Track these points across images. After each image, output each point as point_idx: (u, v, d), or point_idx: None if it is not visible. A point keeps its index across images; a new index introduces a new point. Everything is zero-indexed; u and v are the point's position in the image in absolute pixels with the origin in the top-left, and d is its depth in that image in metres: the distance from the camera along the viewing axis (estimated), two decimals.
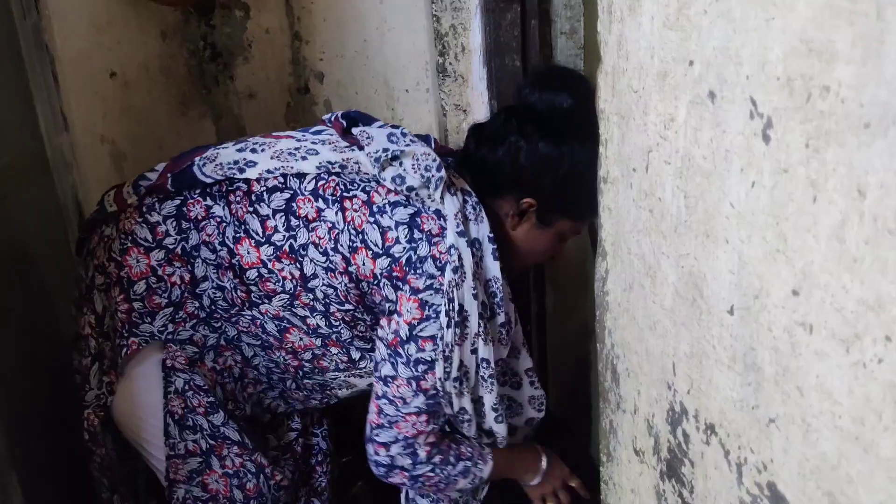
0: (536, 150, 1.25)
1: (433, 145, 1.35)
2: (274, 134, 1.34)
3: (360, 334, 1.31)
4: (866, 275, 0.44)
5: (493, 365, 1.27)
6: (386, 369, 1.27)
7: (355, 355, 1.34)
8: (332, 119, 1.35)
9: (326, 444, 1.57)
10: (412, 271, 1.21)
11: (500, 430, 1.35)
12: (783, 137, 0.50)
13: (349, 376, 1.38)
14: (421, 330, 1.22)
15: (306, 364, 1.34)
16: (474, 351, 1.26)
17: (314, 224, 1.23)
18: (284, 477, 1.38)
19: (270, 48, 1.88)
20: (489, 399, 1.31)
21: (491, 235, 1.24)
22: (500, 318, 1.27)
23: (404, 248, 1.21)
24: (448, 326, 1.21)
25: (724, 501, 0.63)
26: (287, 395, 1.41)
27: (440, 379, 1.25)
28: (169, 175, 1.28)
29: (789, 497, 0.54)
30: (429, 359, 1.24)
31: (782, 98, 0.50)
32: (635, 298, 0.76)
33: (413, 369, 1.25)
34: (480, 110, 1.64)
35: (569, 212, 1.31)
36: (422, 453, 1.32)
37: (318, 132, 1.34)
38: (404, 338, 1.23)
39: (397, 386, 1.27)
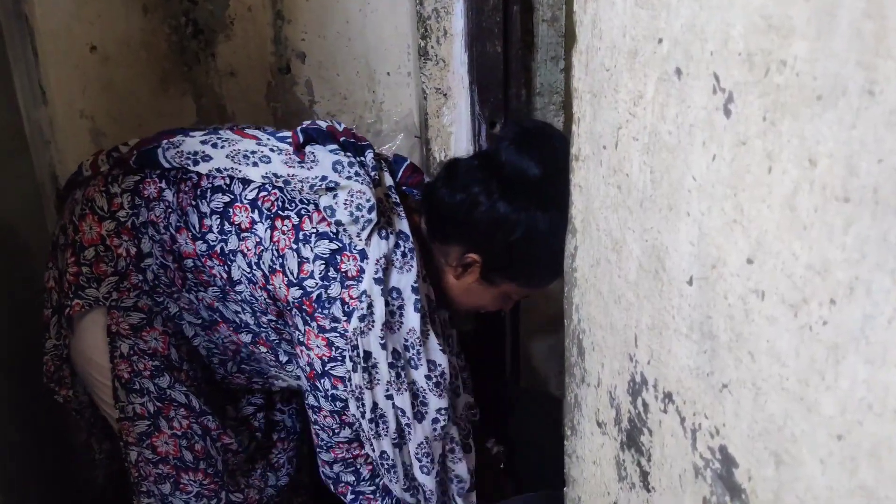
0: (494, 210, 1.23)
1: (403, 168, 1.33)
2: (244, 131, 1.34)
3: (287, 340, 1.32)
4: (815, 241, 0.46)
5: (409, 414, 1.26)
6: (311, 399, 1.30)
7: (283, 358, 1.35)
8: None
9: (293, 421, 1.59)
10: (320, 309, 1.20)
11: (427, 482, 1.33)
12: (742, 111, 0.52)
13: (279, 373, 1.40)
14: (332, 368, 1.24)
15: (243, 350, 1.37)
16: (389, 397, 1.25)
17: (245, 234, 1.24)
18: (234, 442, 1.40)
19: (252, 26, 1.88)
20: (411, 447, 1.30)
21: (415, 286, 1.21)
22: (423, 370, 1.25)
23: (317, 283, 1.20)
24: (355, 371, 1.21)
25: (679, 467, 0.65)
26: (229, 380, 1.44)
27: (356, 417, 1.26)
28: (135, 151, 1.30)
29: (738, 459, 0.56)
30: (344, 397, 1.25)
31: (743, 73, 0.51)
32: (602, 273, 0.78)
33: (332, 404, 1.27)
34: (461, 94, 1.66)
35: (514, 277, 1.30)
36: (364, 472, 1.36)
37: (283, 138, 1.33)
38: (319, 372, 1.25)
39: (323, 416, 1.29)
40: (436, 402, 1.28)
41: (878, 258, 0.41)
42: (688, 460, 0.63)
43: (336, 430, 1.30)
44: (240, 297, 1.28)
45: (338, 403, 1.27)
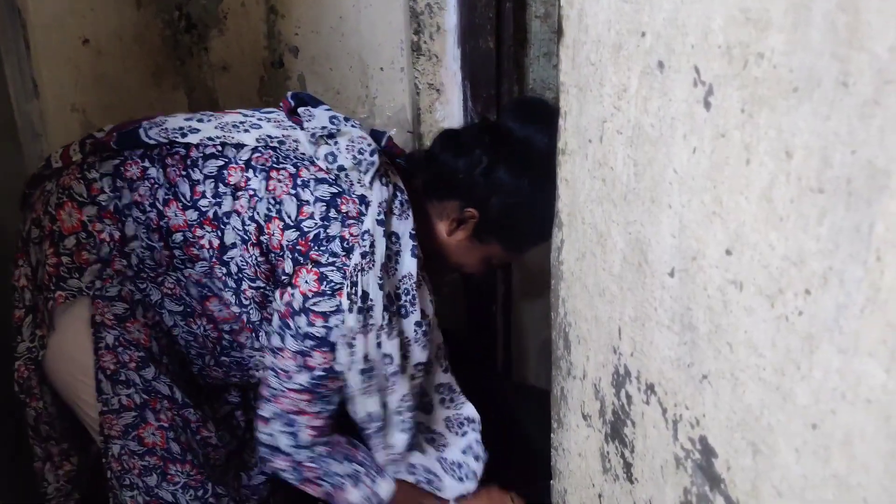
0: (496, 171, 1.28)
1: (386, 135, 1.37)
2: (226, 111, 1.36)
3: (269, 317, 1.30)
4: (790, 232, 0.46)
5: (396, 361, 1.25)
6: (275, 340, 1.25)
7: (263, 340, 1.32)
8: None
9: None
10: (316, 247, 1.20)
11: (400, 441, 1.32)
12: (722, 104, 0.52)
13: (261, 360, 1.37)
14: (315, 304, 1.20)
15: (226, 336, 1.34)
16: (379, 345, 1.23)
17: (240, 193, 1.24)
18: (213, 435, 1.37)
19: (245, 21, 1.88)
20: (394, 399, 1.29)
21: (413, 233, 1.23)
22: (415, 317, 1.25)
23: (316, 223, 1.20)
24: (350, 311, 1.18)
25: (661, 458, 0.65)
26: (206, 373, 1.42)
27: (345, 366, 1.23)
28: (115, 133, 1.29)
29: (718, 449, 0.56)
30: (318, 335, 1.21)
31: (722, 65, 0.52)
32: (587, 267, 0.78)
33: (300, 343, 1.22)
34: (453, 90, 1.66)
35: (504, 239, 1.35)
36: (303, 435, 1.29)
37: (268, 112, 1.35)
38: (296, 308, 1.21)
39: (283, 357, 1.24)
40: (418, 355, 1.27)
41: (850, 248, 0.42)
42: (669, 451, 0.64)
43: (291, 375, 1.24)
44: (225, 271, 1.26)
45: (307, 342, 1.21)
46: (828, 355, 0.44)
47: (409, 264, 1.24)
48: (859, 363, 0.42)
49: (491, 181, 1.29)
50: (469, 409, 1.42)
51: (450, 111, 1.68)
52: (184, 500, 1.35)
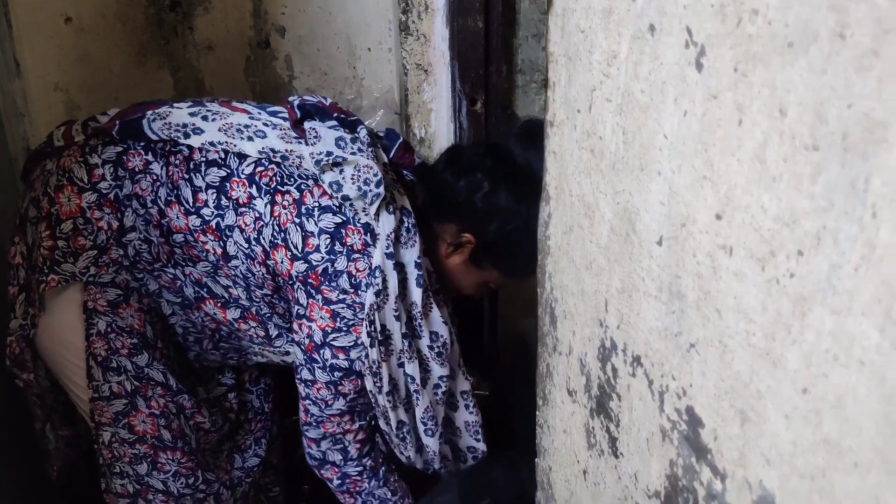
0: (495, 196, 1.27)
1: (398, 142, 1.35)
2: (232, 104, 1.33)
3: (280, 314, 1.32)
4: (783, 192, 0.45)
5: (418, 381, 1.30)
6: (305, 373, 1.30)
7: (273, 332, 1.35)
8: (290, 105, 1.33)
9: (260, 402, 1.57)
10: (327, 282, 1.21)
11: (431, 443, 1.38)
12: (714, 64, 0.51)
13: (263, 349, 1.39)
14: (334, 339, 1.24)
15: (224, 328, 1.35)
16: (401, 365, 1.29)
17: (243, 209, 1.23)
18: (207, 420, 1.38)
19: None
20: (418, 412, 1.35)
21: (418, 261, 1.24)
22: (425, 340, 1.29)
23: (323, 257, 1.21)
24: (372, 346, 1.23)
25: (647, 431, 0.64)
26: (203, 357, 1.42)
27: (372, 393, 1.29)
28: (117, 122, 1.27)
29: (705, 419, 0.55)
30: (344, 367, 1.26)
31: (715, 24, 0.50)
32: (574, 240, 0.77)
33: (330, 374, 1.27)
34: (441, 70, 1.64)
35: (500, 264, 1.35)
36: (352, 450, 1.37)
37: (275, 113, 1.32)
38: (319, 343, 1.25)
39: (317, 389, 1.29)
40: (437, 370, 1.32)
41: (845, 206, 0.41)
42: (655, 423, 0.62)
43: (329, 402, 1.30)
44: (233, 273, 1.26)
45: (336, 374, 1.27)
46: (820, 317, 0.43)
47: (413, 294, 1.25)
48: (853, 324, 0.40)
49: (490, 206, 1.28)
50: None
51: (437, 92, 1.66)
52: (175, 487, 1.35)
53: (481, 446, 1.47)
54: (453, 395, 1.41)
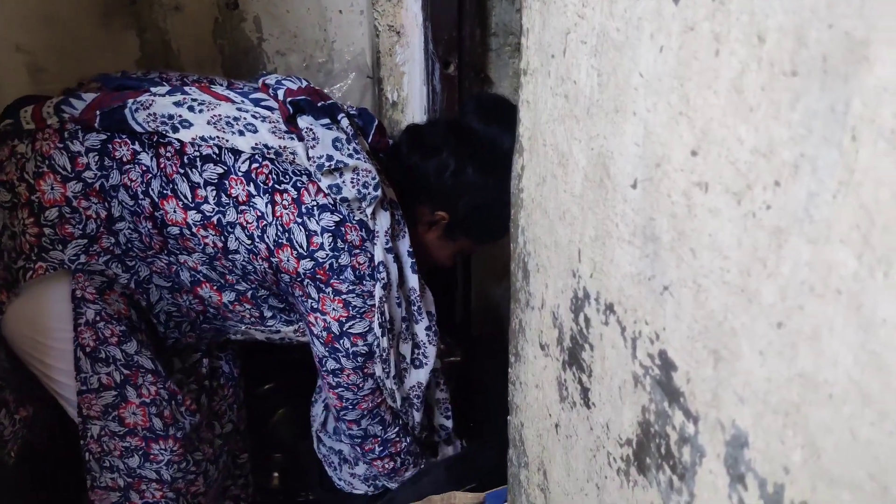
0: (463, 174, 1.34)
1: (374, 126, 1.38)
2: (213, 90, 1.30)
3: (276, 294, 1.35)
4: (760, 122, 0.44)
5: (408, 359, 1.41)
6: (330, 364, 1.35)
7: (267, 313, 1.38)
8: (274, 95, 1.32)
9: (230, 368, 1.57)
10: (335, 276, 1.26)
11: (418, 417, 1.48)
12: None
13: (250, 328, 1.42)
14: (350, 327, 1.30)
15: (211, 310, 1.34)
16: (396, 346, 1.37)
17: (243, 207, 1.23)
18: (193, 401, 1.39)
19: None
20: (405, 386, 1.45)
21: (410, 250, 1.32)
22: (424, 322, 1.38)
23: (328, 254, 1.24)
24: (383, 336, 1.32)
25: (619, 379, 0.63)
26: (180, 340, 1.41)
27: (381, 378, 1.38)
28: (98, 112, 1.22)
29: (678, 362, 0.54)
30: (364, 352, 1.34)
31: None
32: (548, 191, 0.76)
33: (354, 360, 1.34)
34: (414, 32, 1.61)
35: (473, 234, 1.43)
36: (387, 416, 1.45)
37: (258, 101, 1.30)
38: (337, 333, 1.30)
39: (347, 376, 1.36)
40: (432, 352, 1.41)
41: (824, 131, 0.39)
42: (628, 371, 0.62)
43: (361, 385, 1.37)
44: (230, 264, 1.25)
45: (359, 359, 1.34)
46: (796, 248, 0.42)
47: (411, 280, 1.34)
48: (830, 252, 0.39)
49: (459, 183, 1.34)
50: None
51: (410, 54, 1.63)
52: (167, 475, 1.35)
53: (450, 423, 1.55)
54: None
